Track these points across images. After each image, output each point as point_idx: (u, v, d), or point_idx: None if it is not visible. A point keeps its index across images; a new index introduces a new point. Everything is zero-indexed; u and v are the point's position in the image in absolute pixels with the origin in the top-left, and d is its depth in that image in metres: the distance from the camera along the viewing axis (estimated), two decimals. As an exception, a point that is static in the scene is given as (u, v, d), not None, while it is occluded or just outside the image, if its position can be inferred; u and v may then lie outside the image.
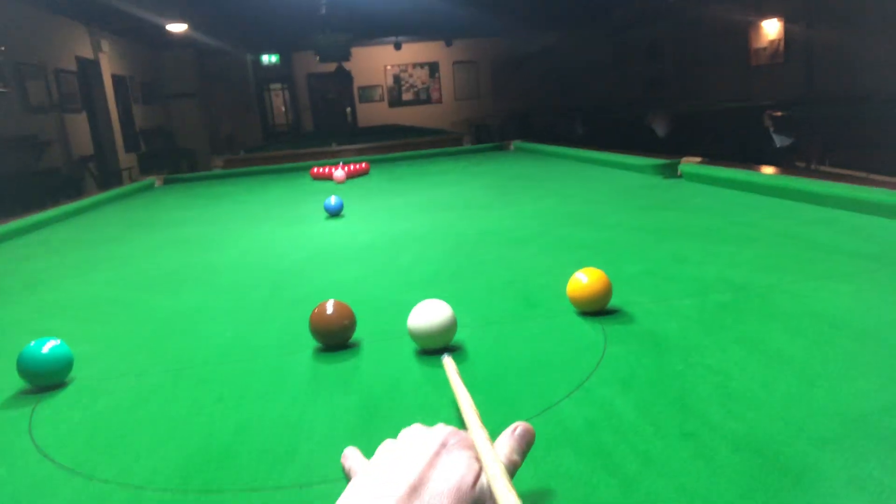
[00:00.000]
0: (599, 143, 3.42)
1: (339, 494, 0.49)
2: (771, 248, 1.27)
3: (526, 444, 0.52)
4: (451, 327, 0.87)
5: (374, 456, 0.51)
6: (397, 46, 13.43)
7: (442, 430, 0.51)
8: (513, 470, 0.50)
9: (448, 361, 0.70)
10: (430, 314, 0.86)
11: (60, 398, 0.84)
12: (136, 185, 3.52)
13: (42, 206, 2.70)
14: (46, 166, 7.39)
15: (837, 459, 0.56)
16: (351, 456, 0.59)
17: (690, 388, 0.71)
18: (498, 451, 0.50)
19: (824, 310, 0.91)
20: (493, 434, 0.52)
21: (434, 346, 0.87)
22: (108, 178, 8.62)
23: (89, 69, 9.00)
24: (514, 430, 0.52)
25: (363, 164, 3.46)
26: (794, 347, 0.80)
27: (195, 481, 0.61)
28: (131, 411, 0.78)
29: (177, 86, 11.90)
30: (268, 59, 13.45)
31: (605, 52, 11.56)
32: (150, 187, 3.58)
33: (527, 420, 0.67)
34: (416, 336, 0.87)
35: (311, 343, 0.94)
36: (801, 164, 4.51)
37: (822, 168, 4.20)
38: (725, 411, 0.66)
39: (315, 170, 3.38)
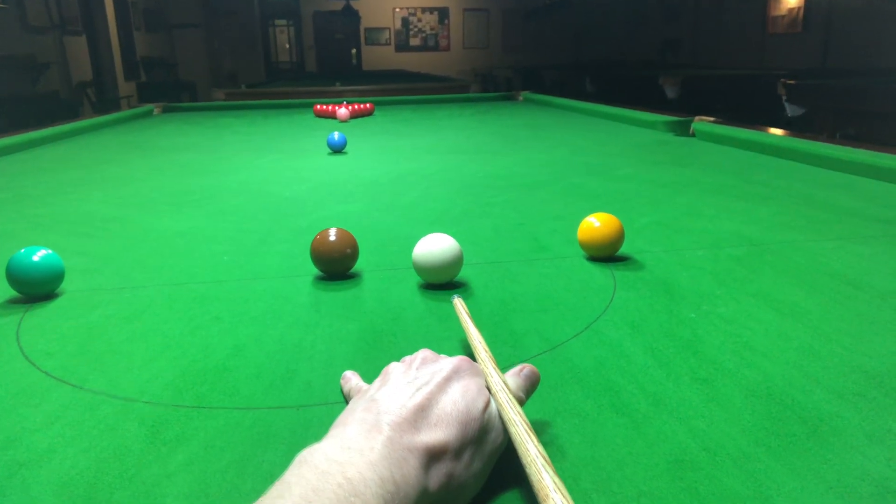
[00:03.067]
0: (610, 100, 3.35)
1: (338, 416, 0.46)
2: (787, 207, 1.23)
3: (531, 385, 0.51)
4: (457, 262, 0.84)
5: (379, 377, 0.49)
6: (408, -12, 13.05)
7: (454, 358, 0.49)
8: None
9: (458, 302, 0.67)
10: (436, 248, 0.83)
11: (50, 308, 0.81)
12: (134, 110, 3.44)
13: (38, 127, 2.63)
14: (44, 89, 7.24)
15: (855, 413, 0.54)
16: (351, 378, 0.57)
17: (703, 335, 0.69)
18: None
19: (842, 269, 0.88)
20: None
21: (439, 281, 0.85)
22: (107, 105, 8.46)
23: (90, -10, 8.73)
24: (521, 370, 0.51)
25: (367, 105, 3.38)
26: (810, 303, 0.77)
27: (188, 396, 0.59)
28: (124, 325, 0.76)
29: (181, 15, 11.59)
30: (275, -8, 13.07)
31: (620, 9, 11.27)
32: (148, 114, 3.50)
33: (533, 357, 0.65)
34: (422, 269, 0.84)
35: (312, 270, 0.91)
36: (810, 135, 4.43)
37: (833, 142, 4.13)
38: (739, 359, 0.63)
39: (318, 107, 3.30)
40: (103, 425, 0.54)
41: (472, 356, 0.54)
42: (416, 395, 0.44)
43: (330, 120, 3.15)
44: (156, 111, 3.57)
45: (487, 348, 0.54)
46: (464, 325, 0.62)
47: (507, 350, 0.67)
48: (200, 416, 0.56)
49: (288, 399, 0.58)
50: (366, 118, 3.25)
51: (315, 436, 0.52)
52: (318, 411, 0.56)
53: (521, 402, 0.49)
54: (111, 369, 0.65)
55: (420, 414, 0.42)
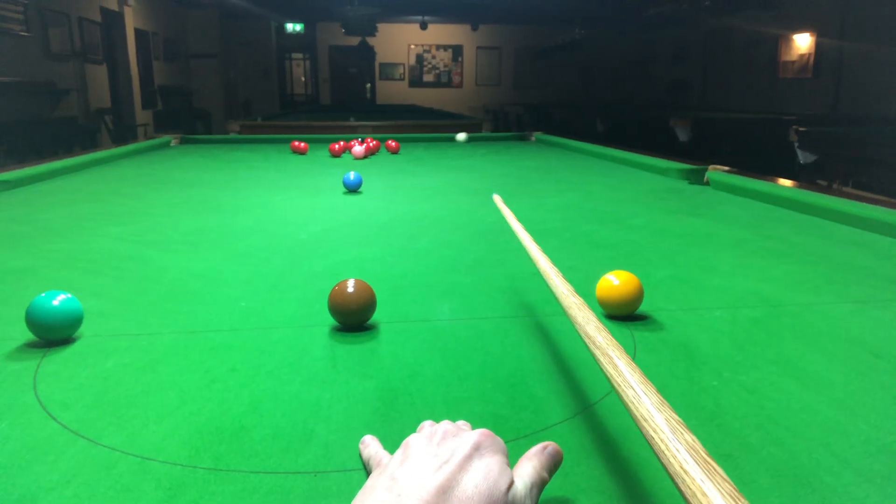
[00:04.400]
0: (620, 142, 3.38)
1: (356, 484, 0.46)
2: (804, 265, 1.23)
3: (554, 465, 0.50)
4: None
5: (399, 451, 0.48)
6: (423, 26, 13.30)
7: (475, 432, 0.48)
8: (541, 486, 0.47)
9: (497, 198, 0.69)
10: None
11: (67, 354, 0.81)
12: (152, 141, 3.49)
13: (56, 154, 2.67)
14: (63, 115, 7.37)
15: (885, 499, 0.52)
16: (371, 444, 0.56)
17: (725, 405, 0.68)
18: (526, 467, 0.48)
19: (862, 336, 0.87)
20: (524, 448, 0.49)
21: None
22: (124, 132, 8.60)
23: (113, 21, 8.94)
24: (544, 448, 0.50)
25: (393, 143, 3.42)
26: (833, 373, 0.76)
27: (205, 456, 0.58)
28: (140, 374, 0.75)
29: (198, 46, 11.84)
30: (292, 27, 13.35)
31: (631, 51, 11.43)
32: (166, 145, 3.55)
33: (554, 426, 0.64)
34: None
35: (329, 320, 0.91)
36: (824, 183, 4.44)
37: (845, 189, 4.14)
38: (763, 433, 0.62)
39: (334, 146, 3.33)
40: (119, 485, 0.54)
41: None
42: (437, 475, 0.43)
43: (345, 157, 3.18)
44: (173, 142, 3.62)
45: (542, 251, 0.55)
46: (508, 220, 0.62)
47: (526, 416, 0.66)
48: (217, 479, 0.55)
49: (305, 463, 0.58)
50: (380, 155, 3.28)
51: (334, 507, 0.51)
52: (335, 478, 0.55)
53: (545, 482, 0.48)
54: (127, 424, 0.64)
55: (441, 497, 0.41)
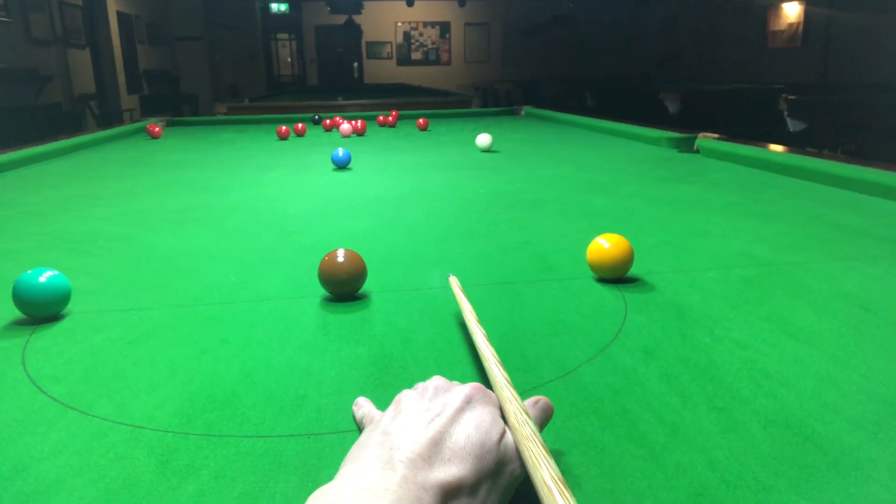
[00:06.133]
0: (611, 115, 3.36)
1: (349, 444, 0.46)
2: (795, 226, 1.23)
3: (546, 418, 0.50)
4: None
5: (391, 406, 0.48)
6: (409, 3, 13.14)
7: (466, 386, 0.48)
8: None
9: (453, 281, 0.67)
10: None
11: (56, 330, 0.80)
12: (136, 125, 3.45)
13: (41, 141, 2.64)
14: (47, 101, 7.27)
15: (875, 444, 0.53)
16: (364, 405, 0.56)
17: (718, 361, 0.68)
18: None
19: (853, 292, 0.88)
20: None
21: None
22: (110, 117, 8.49)
23: (94, 4, 8.79)
24: (536, 402, 0.50)
25: (391, 116, 3.40)
26: (824, 328, 0.76)
27: (197, 423, 0.58)
28: (130, 348, 0.75)
29: (183, 29, 11.67)
30: (277, 7, 13.17)
31: (620, 24, 11.34)
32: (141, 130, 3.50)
33: (547, 384, 0.64)
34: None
35: (320, 291, 0.90)
36: (813, 151, 4.44)
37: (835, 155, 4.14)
38: (756, 386, 0.62)
39: (327, 122, 3.31)
40: (112, 454, 0.54)
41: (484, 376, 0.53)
42: (429, 428, 0.43)
43: (333, 134, 3.16)
44: (158, 126, 3.57)
45: (487, 339, 0.54)
46: (460, 305, 0.61)
47: (519, 376, 0.66)
48: (210, 444, 0.55)
49: (298, 426, 0.57)
50: (369, 133, 3.25)
51: (327, 465, 0.51)
52: (329, 440, 0.55)
53: None
54: (118, 395, 0.64)
55: (434, 448, 0.41)
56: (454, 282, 0.75)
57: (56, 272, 0.83)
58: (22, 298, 0.80)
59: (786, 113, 4.60)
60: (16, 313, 0.83)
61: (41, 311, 0.82)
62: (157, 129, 3.14)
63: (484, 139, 2.45)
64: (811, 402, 0.59)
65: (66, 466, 0.52)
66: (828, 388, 0.62)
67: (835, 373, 0.65)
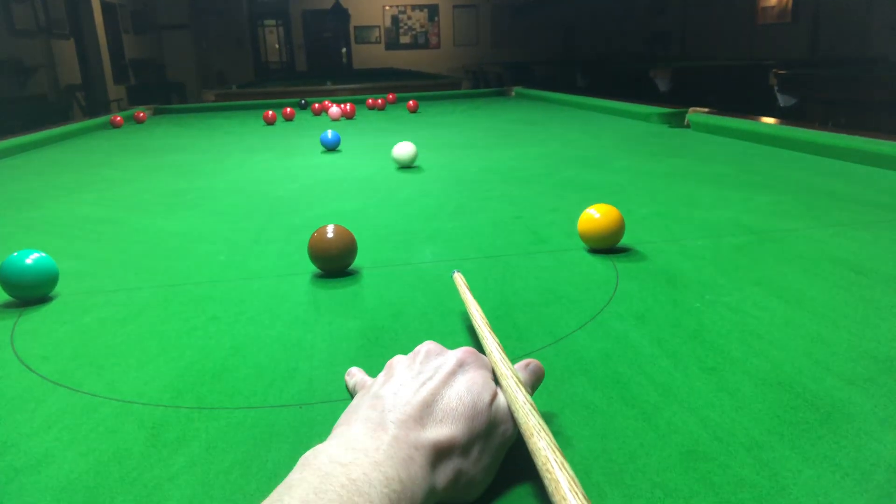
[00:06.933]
0: (602, 94, 3.34)
1: (341, 413, 0.45)
2: (785, 195, 1.23)
3: (537, 380, 0.49)
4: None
5: (383, 371, 0.48)
6: (397, -14, 13.00)
7: (459, 350, 0.48)
8: None
9: (458, 277, 0.67)
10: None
11: (44, 312, 0.79)
12: (124, 112, 3.41)
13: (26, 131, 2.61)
14: (32, 92, 7.18)
15: (867, 399, 0.53)
16: (356, 373, 0.55)
17: (709, 325, 0.68)
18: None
19: (844, 256, 0.88)
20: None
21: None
22: (97, 108, 8.41)
23: (77, -6, 8.66)
24: (526, 365, 0.49)
25: (383, 100, 3.39)
26: (815, 290, 0.76)
27: (187, 397, 0.58)
28: (119, 327, 0.74)
29: (168, 16, 11.53)
30: (263, -8, 13.00)
31: (609, 3, 11.27)
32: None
33: (538, 351, 0.64)
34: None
35: (310, 268, 0.90)
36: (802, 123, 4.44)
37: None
38: (746, 348, 0.63)
39: (315, 105, 3.29)
40: (102, 428, 0.53)
41: (477, 341, 0.53)
42: (420, 391, 0.43)
43: (322, 117, 3.14)
44: (144, 114, 3.54)
45: (491, 329, 0.53)
46: (464, 300, 0.61)
47: (511, 344, 0.66)
48: (201, 416, 0.55)
49: (290, 397, 0.57)
50: (358, 116, 3.23)
51: (319, 434, 0.51)
52: (321, 409, 0.55)
53: None
54: (108, 372, 0.63)
55: (425, 410, 0.41)
56: (459, 278, 0.72)
57: (43, 254, 0.82)
58: (9, 280, 0.79)
59: (776, 88, 4.59)
60: (3, 296, 0.83)
61: (29, 292, 0.81)
62: (134, 116, 3.11)
63: (403, 149, 1.69)
64: (802, 361, 0.59)
65: (55, 441, 0.51)
66: (819, 347, 0.62)
67: (826, 333, 0.65)
